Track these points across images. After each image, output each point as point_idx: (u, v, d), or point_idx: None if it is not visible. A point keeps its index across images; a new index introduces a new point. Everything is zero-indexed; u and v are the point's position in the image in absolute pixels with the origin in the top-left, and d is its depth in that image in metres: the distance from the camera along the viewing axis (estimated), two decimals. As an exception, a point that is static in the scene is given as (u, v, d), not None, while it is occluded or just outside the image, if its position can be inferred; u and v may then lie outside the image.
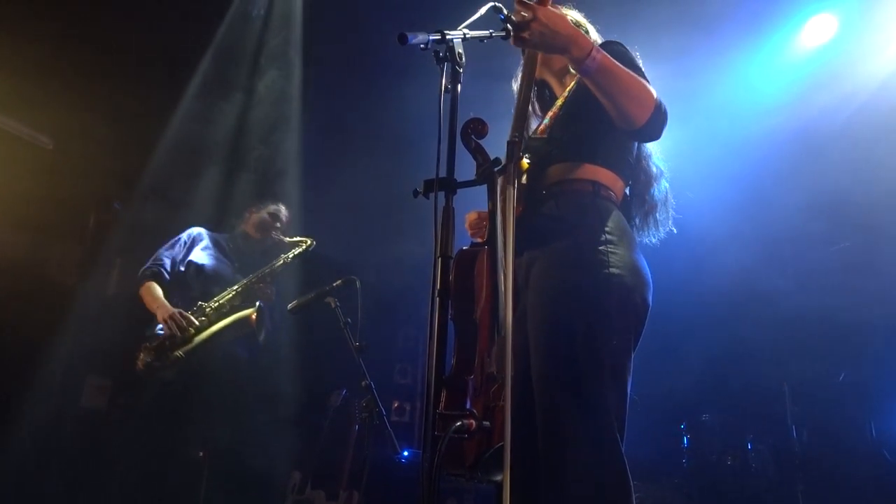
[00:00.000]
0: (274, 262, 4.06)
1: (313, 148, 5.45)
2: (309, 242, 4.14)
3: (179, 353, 3.67)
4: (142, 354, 3.69)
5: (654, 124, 1.84)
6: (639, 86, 1.82)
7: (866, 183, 4.55)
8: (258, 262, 4.14)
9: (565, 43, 1.74)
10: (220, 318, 3.84)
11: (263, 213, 4.22)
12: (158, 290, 3.81)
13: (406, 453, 4.82)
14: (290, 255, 4.11)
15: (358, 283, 3.61)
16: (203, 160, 5.08)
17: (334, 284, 3.62)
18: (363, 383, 3.47)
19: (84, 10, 4.43)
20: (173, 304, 3.77)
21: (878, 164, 4.51)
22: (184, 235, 4.07)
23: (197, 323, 3.75)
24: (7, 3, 4.27)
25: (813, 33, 4.70)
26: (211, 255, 4.04)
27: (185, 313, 3.72)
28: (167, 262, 3.92)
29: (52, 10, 4.38)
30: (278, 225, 4.22)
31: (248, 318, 3.85)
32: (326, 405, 4.74)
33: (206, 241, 4.08)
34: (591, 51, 1.75)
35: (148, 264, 3.92)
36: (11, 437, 4.19)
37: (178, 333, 3.67)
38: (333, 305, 3.56)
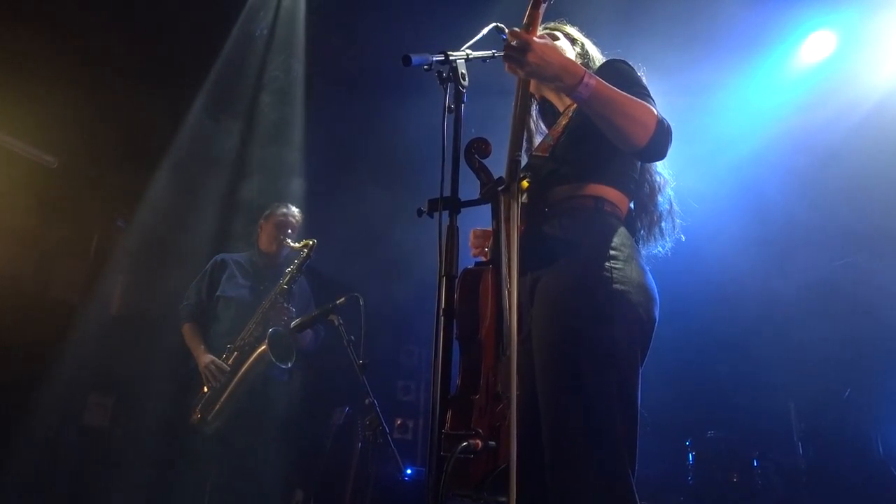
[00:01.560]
0: (280, 281, 3.96)
1: (316, 165, 5.47)
2: (311, 244, 4.00)
3: (217, 406, 3.75)
4: (193, 411, 3.78)
5: (658, 144, 1.81)
6: (637, 106, 1.80)
7: (870, 197, 4.55)
8: (280, 275, 4.07)
9: (557, 72, 1.74)
10: (244, 354, 3.85)
11: (272, 224, 4.14)
12: (197, 332, 3.92)
13: (409, 471, 4.79)
14: (294, 266, 3.98)
15: (361, 301, 3.59)
16: (206, 178, 5.10)
17: (338, 302, 3.60)
18: (366, 401, 3.44)
19: (88, 29, 4.47)
20: (210, 342, 3.87)
21: (882, 177, 4.52)
22: (208, 267, 4.10)
23: (228, 368, 3.81)
24: (11, 24, 4.30)
25: (812, 49, 4.74)
26: (236, 283, 4.03)
27: (217, 362, 3.80)
28: (195, 299, 4.01)
29: (56, 30, 4.42)
30: (290, 231, 4.12)
31: (263, 353, 3.82)
32: (329, 423, 4.73)
33: (229, 269, 4.07)
34: (583, 77, 1.74)
35: (183, 303, 4.04)
36: (14, 452, 4.18)
37: (214, 384, 3.76)
38: (337, 323, 3.54)
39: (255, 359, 3.83)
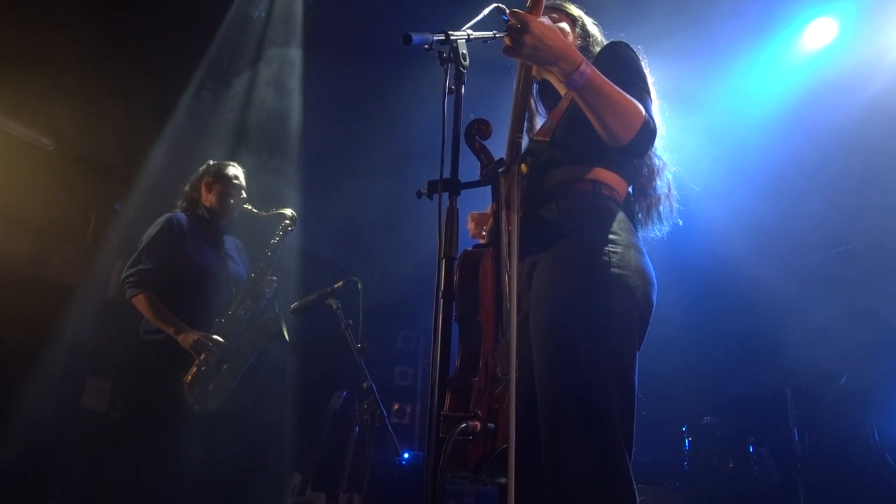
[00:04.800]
0: (266, 252, 3.85)
1: (314, 148, 5.44)
2: (290, 214, 3.90)
3: (214, 383, 3.54)
4: (185, 389, 3.49)
5: (639, 143, 1.83)
6: (626, 103, 1.79)
7: (871, 184, 4.54)
8: (223, 237, 3.92)
9: (555, 57, 1.73)
10: (236, 328, 3.67)
11: (227, 184, 3.86)
12: (161, 305, 3.49)
13: (406, 455, 4.81)
14: (278, 238, 3.88)
15: (359, 285, 3.59)
16: (203, 161, 5.08)
17: (336, 286, 3.60)
18: (364, 385, 3.46)
19: (84, 10, 4.43)
20: (183, 314, 3.52)
21: (882, 165, 4.51)
22: (164, 227, 3.66)
23: (223, 342, 3.55)
24: (5, 6, 4.26)
25: (814, 37, 4.72)
26: (199, 248, 3.75)
27: (211, 336, 3.53)
28: (153, 264, 3.55)
29: (52, 11, 4.38)
30: (243, 194, 3.90)
31: (267, 328, 3.72)
32: (327, 407, 4.74)
33: (187, 231, 3.72)
34: (580, 65, 1.73)
35: (133, 268, 3.55)
36: (10, 436, 4.18)
37: (211, 360, 3.51)
38: (335, 307, 3.54)
39: (256, 333, 3.73)
